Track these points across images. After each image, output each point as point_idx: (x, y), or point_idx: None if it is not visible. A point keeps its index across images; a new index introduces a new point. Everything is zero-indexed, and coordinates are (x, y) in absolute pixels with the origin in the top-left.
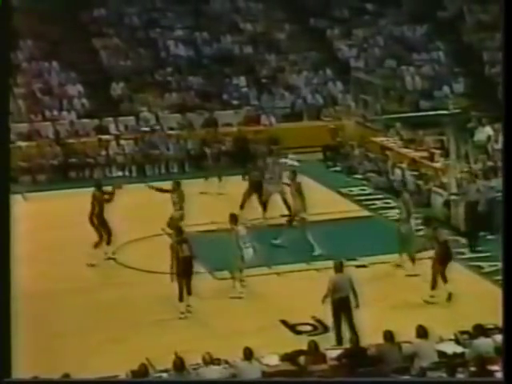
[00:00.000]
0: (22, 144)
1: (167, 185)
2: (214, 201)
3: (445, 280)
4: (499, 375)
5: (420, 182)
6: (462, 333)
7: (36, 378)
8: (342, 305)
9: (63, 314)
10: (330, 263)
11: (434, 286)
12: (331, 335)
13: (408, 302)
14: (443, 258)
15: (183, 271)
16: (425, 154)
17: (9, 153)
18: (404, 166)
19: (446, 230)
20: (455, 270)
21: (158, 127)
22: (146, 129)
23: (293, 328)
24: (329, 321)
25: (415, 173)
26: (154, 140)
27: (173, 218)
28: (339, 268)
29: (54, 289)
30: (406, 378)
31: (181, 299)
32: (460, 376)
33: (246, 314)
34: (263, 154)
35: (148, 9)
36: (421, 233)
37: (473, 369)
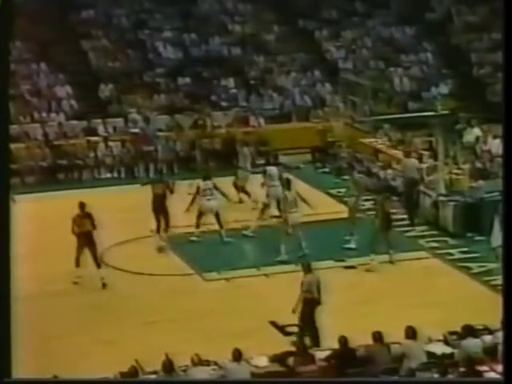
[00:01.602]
0: (11, 146)
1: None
2: None
3: (390, 246)
4: (489, 375)
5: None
6: (451, 333)
7: (44, 378)
8: (310, 305)
9: (52, 316)
10: (320, 264)
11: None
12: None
13: (397, 302)
14: (385, 226)
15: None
16: (413, 155)
17: (9, 153)
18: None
19: (435, 230)
20: (444, 270)
21: (146, 128)
22: (135, 130)
23: (282, 329)
24: (317, 322)
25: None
26: (142, 141)
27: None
28: (307, 269)
29: (42, 291)
30: (395, 378)
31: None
32: (450, 377)
33: (234, 315)
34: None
35: (136, 10)
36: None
37: (462, 369)
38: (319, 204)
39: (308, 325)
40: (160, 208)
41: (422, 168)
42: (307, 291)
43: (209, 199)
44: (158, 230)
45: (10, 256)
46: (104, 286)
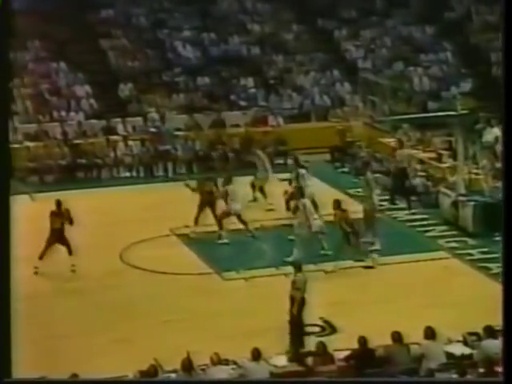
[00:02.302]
0: (30, 144)
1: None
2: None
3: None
4: None
5: (428, 183)
6: (471, 334)
7: (43, 378)
8: (301, 304)
9: (71, 314)
10: (339, 264)
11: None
12: (338, 336)
13: (416, 303)
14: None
15: None
16: (433, 154)
17: (9, 153)
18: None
19: (454, 230)
20: (463, 271)
21: (165, 128)
22: (154, 129)
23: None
24: (337, 322)
25: (423, 174)
26: (161, 140)
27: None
28: (298, 269)
29: (63, 288)
30: (415, 379)
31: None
32: (469, 377)
33: (253, 314)
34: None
35: (156, 9)
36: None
37: (481, 370)
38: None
39: (296, 324)
40: (206, 205)
41: (412, 158)
42: (298, 289)
43: (232, 200)
44: (197, 222)
45: (10, 256)
46: (73, 272)
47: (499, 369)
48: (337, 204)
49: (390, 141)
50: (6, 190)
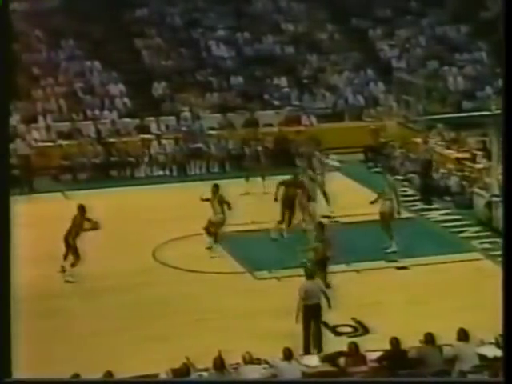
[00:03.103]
0: (63, 143)
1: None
2: (256, 201)
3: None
4: None
5: (463, 183)
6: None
7: (44, 378)
8: (312, 312)
9: (104, 312)
10: (372, 265)
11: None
12: (371, 337)
13: (449, 304)
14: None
15: None
16: (467, 155)
17: (9, 153)
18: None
19: (488, 231)
20: (497, 272)
21: (198, 127)
22: (187, 128)
23: (333, 329)
24: (369, 323)
25: (458, 174)
26: (194, 139)
27: (212, 223)
28: (310, 275)
29: (99, 286)
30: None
31: None
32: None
33: (286, 314)
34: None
35: (190, 9)
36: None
37: None
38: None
39: (313, 332)
40: (289, 204)
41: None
42: (306, 298)
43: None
44: (282, 222)
45: (10, 256)
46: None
47: None
48: None
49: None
50: (6, 190)
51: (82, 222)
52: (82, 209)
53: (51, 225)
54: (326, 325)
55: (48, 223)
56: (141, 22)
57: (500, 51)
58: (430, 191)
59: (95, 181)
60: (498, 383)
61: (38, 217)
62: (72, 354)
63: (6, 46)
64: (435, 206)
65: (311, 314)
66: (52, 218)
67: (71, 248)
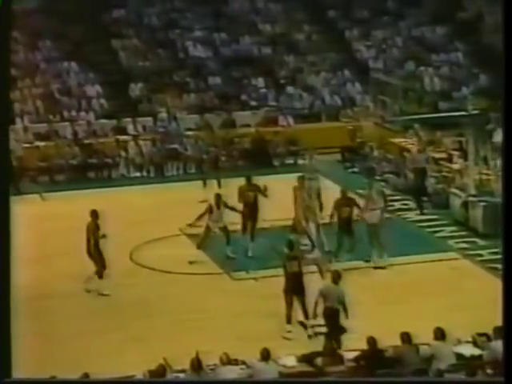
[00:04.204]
0: (41, 144)
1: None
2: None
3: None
4: None
5: (439, 183)
6: (480, 335)
7: (54, 378)
8: (330, 314)
9: (82, 314)
10: (348, 265)
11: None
12: (347, 337)
13: (425, 304)
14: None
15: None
16: (443, 155)
17: (9, 153)
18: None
19: (465, 231)
20: (473, 272)
21: (175, 127)
22: (164, 129)
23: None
24: (347, 323)
25: (434, 174)
26: (171, 141)
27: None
28: (336, 279)
29: (74, 289)
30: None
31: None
32: (478, 378)
33: (263, 314)
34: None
35: (167, 10)
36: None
37: (490, 371)
38: None
39: (335, 330)
40: (251, 210)
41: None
42: (327, 300)
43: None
44: (245, 230)
45: (11, 257)
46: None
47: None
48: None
49: (401, 141)
50: (6, 191)
51: (96, 227)
52: (94, 214)
53: (28, 227)
54: (303, 325)
55: (25, 225)
56: (118, 22)
57: (478, 52)
58: (422, 200)
59: (73, 182)
60: (498, 383)
61: (15, 219)
62: (51, 355)
63: (6, 46)
64: (411, 206)
65: (329, 316)
66: (29, 220)
67: (96, 259)
